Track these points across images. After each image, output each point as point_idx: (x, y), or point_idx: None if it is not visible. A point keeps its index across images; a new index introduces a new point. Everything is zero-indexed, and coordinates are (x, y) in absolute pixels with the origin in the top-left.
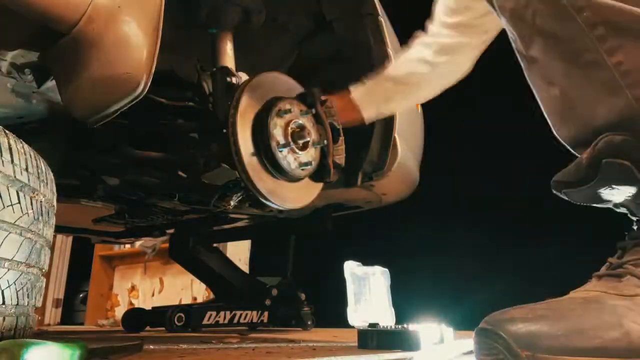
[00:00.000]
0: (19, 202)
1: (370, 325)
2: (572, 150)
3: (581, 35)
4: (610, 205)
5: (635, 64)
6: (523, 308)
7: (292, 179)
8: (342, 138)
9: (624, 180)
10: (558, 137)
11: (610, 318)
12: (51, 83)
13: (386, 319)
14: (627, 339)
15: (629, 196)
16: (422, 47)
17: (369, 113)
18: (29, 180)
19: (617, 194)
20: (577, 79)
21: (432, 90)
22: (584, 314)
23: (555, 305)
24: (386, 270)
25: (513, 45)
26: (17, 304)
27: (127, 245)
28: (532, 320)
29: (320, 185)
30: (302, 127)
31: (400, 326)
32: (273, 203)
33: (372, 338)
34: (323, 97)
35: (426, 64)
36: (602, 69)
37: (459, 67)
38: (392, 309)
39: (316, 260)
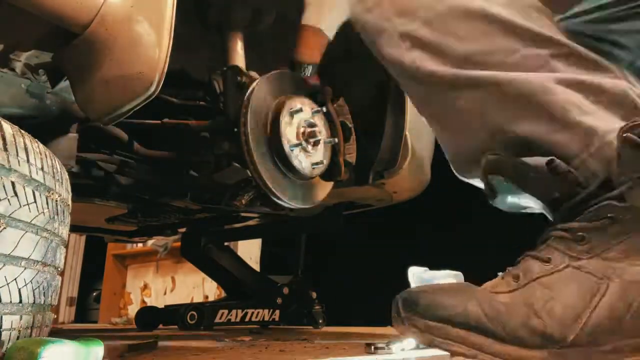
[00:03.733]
0: (35, 202)
1: None
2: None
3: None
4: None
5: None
6: (428, 284)
7: (304, 177)
8: (353, 137)
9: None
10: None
11: (462, 298)
12: (65, 83)
13: None
14: (465, 316)
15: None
16: None
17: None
18: (44, 179)
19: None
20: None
21: None
22: (452, 293)
23: (446, 285)
24: (459, 273)
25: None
26: (34, 303)
27: (139, 244)
28: (420, 292)
29: (331, 183)
30: (313, 126)
31: None
32: (284, 202)
33: None
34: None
35: None
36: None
37: None
38: None
39: (327, 258)
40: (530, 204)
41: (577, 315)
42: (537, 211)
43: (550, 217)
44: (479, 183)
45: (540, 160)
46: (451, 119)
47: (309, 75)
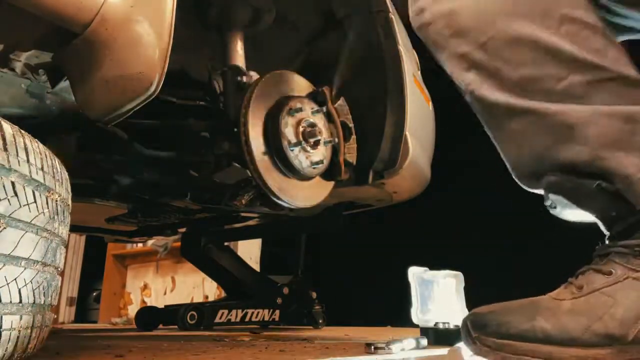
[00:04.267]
0: (35, 202)
1: (435, 324)
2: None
3: None
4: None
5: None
6: (494, 304)
7: (304, 177)
8: (353, 136)
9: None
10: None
11: (527, 314)
12: (65, 83)
13: (457, 318)
14: (532, 331)
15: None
16: None
17: None
18: (44, 179)
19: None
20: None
21: None
22: (517, 310)
23: (510, 303)
24: (459, 273)
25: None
26: (34, 303)
27: (139, 244)
28: (487, 314)
29: (331, 183)
30: (313, 126)
31: (454, 325)
32: (285, 202)
33: (429, 335)
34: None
35: None
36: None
37: None
38: (465, 309)
39: (327, 258)
40: (587, 217)
41: (637, 317)
42: (592, 221)
43: (605, 231)
44: (539, 192)
45: (593, 183)
46: (505, 138)
47: None
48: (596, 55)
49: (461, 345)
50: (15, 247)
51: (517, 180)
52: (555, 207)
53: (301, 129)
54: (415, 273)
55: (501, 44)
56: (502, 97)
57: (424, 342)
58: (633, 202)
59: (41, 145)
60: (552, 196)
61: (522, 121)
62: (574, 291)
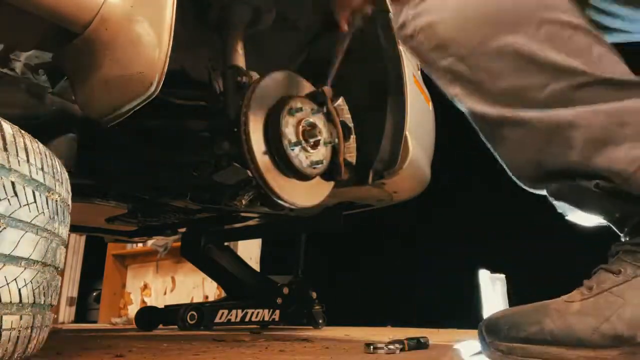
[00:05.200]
0: (35, 202)
1: None
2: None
3: None
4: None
5: None
6: (507, 309)
7: (304, 177)
8: (353, 137)
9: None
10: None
11: (536, 316)
12: (65, 83)
13: None
14: (541, 333)
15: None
16: None
17: None
18: (44, 179)
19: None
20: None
21: None
22: (528, 314)
23: (522, 307)
24: (502, 275)
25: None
26: (34, 303)
27: (139, 244)
28: (500, 318)
29: (331, 183)
30: (313, 126)
31: None
32: (285, 202)
33: None
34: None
35: None
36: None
37: None
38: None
39: (327, 258)
40: (597, 220)
41: None
42: (603, 224)
43: (618, 232)
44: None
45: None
46: (500, 146)
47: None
48: (578, 57)
49: (461, 345)
50: (15, 247)
51: (518, 182)
52: (567, 215)
53: (301, 129)
54: (484, 275)
55: (482, 55)
56: (489, 110)
57: (425, 342)
58: (636, 194)
59: (41, 145)
60: (556, 203)
61: (512, 131)
62: (584, 292)
